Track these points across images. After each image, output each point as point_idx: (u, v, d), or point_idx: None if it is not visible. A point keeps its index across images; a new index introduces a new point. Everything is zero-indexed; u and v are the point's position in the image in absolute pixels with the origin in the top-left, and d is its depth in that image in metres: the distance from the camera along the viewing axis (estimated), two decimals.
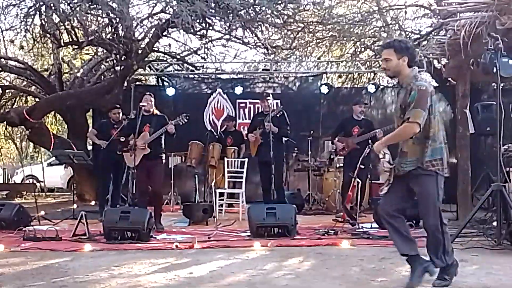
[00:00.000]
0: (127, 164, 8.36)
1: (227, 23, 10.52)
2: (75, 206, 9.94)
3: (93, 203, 12.41)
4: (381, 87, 13.83)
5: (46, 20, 10.37)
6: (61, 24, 10.63)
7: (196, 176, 10.63)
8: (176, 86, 13.46)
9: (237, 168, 9.92)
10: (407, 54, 4.48)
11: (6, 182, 22.68)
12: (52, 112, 15.25)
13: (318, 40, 13.77)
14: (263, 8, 10.26)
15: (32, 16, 10.10)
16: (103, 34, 10.91)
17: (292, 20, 11.55)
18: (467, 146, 9.05)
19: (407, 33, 13.65)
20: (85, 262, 5.87)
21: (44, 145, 13.77)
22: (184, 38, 11.57)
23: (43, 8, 9.88)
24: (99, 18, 10.69)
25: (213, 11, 9.97)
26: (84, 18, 10.39)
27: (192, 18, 9.43)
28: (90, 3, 9.60)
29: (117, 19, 10.06)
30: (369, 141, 8.74)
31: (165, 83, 13.89)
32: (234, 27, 10.83)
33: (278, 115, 9.45)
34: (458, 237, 6.41)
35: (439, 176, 4.40)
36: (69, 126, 14.78)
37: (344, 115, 10.84)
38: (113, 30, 10.61)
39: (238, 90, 13.08)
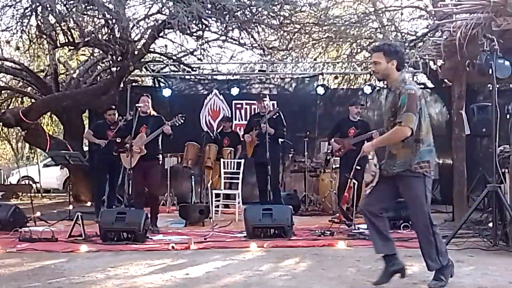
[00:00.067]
0: (125, 165, 8.35)
1: (223, 24, 10.50)
2: (71, 207, 9.93)
3: (89, 204, 12.38)
4: (377, 88, 13.83)
5: (42, 21, 10.36)
6: (57, 25, 10.61)
7: (193, 177, 10.62)
8: (172, 87, 13.45)
9: (234, 169, 9.92)
10: (396, 58, 4.54)
11: (2, 183, 22.62)
12: (48, 113, 15.24)
13: (314, 41, 13.77)
14: (260, 9, 10.25)
15: (28, 17, 10.07)
16: (99, 35, 10.90)
17: (288, 21, 11.54)
18: (463, 147, 9.06)
19: (403, 34, 13.67)
20: (81, 263, 5.87)
21: (40, 146, 13.75)
22: (180, 39, 11.59)
23: (39, 9, 9.86)
24: (95, 19, 10.68)
25: (210, 12, 9.96)
26: (80, 19, 10.36)
27: (189, 19, 9.42)
28: (86, 4, 9.57)
29: (114, 20, 10.05)
30: (365, 142, 8.75)
31: (161, 84, 13.88)
32: (230, 28, 10.82)
33: (274, 117, 9.47)
34: (454, 238, 6.42)
35: (427, 178, 4.45)
36: (65, 127, 14.76)
37: (340, 116, 10.84)
38: (109, 31, 10.61)
39: (234, 91, 13.08)
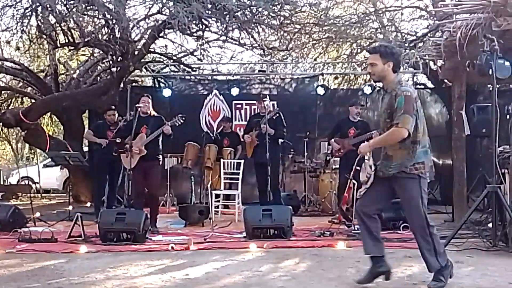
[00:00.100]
0: (125, 165, 8.35)
1: (223, 24, 10.50)
2: (70, 207, 9.92)
3: (88, 204, 12.38)
4: (377, 88, 13.80)
5: (42, 21, 10.36)
6: (58, 25, 10.61)
7: (192, 177, 10.61)
8: (172, 87, 13.44)
9: (233, 169, 9.92)
10: (392, 60, 4.57)
11: (2, 183, 22.61)
12: (48, 113, 15.24)
13: (314, 42, 13.77)
14: (260, 9, 10.25)
15: (28, 17, 10.07)
16: (100, 35, 10.90)
17: (288, 22, 11.55)
18: (462, 148, 9.06)
19: (403, 34, 13.67)
20: (80, 263, 5.86)
21: (40, 146, 13.76)
22: (180, 39, 11.59)
23: (40, 9, 9.86)
24: (95, 19, 10.69)
25: (210, 12, 9.96)
26: (81, 19, 10.36)
27: (189, 19, 9.42)
28: (86, 4, 9.57)
29: (114, 20, 10.05)
30: (365, 142, 8.74)
31: (162, 84, 13.86)
32: (230, 28, 10.82)
33: (274, 117, 9.47)
34: (454, 239, 6.41)
35: (422, 179, 4.47)
36: (65, 127, 14.76)
37: (340, 117, 10.84)
38: (109, 31, 10.61)
39: (235, 91, 13.07)
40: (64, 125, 14.93)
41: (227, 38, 11.90)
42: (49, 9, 9.52)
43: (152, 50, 12.37)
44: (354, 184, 8.49)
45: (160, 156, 8.45)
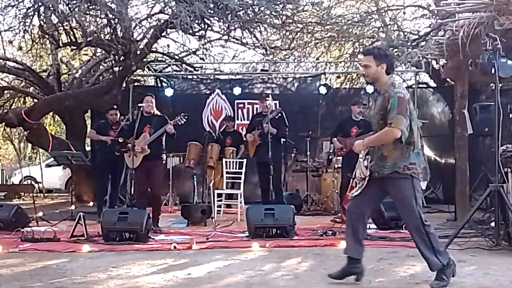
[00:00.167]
0: (129, 165, 8.35)
1: (225, 24, 10.51)
2: (73, 207, 9.94)
3: (91, 204, 12.41)
4: None
5: (44, 20, 10.36)
6: (60, 24, 10.62)
7: (195, 177, 10.62)
8: (174, 87, 13.44)
9: (236, 168, 9.91)
10: (385, 62, 4.63)
11: (4, 183, 22.67)
12: (51, 113, 15.25)
13: (316, 41, 13.76)
14: (262, 8, 10.26)
15: (31, 17, 10.09)
16: (102, 35, 10.90)
17: (290, 21, 11.55)
18: (465, 147, 9.05)
19: (405, 33, 13.65)
20: (83, 263, 5.87)
21: (42, 146, 13.76)
22: (182, 38, 11.63)
23: (42, 8, 9.87)
24: (97, 18, 10.69)
25: (212, 11, 9.97)
26: (83, 18, 10.37)
27: (191, 18, 9.42)
28: (88, 4, 9.59)
29: (116, 20, 10.06)
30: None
31: (164, 84, 13.85)
32: (232, 28, 10.83)
33: (276, 117, 9.45)
34: (456, 238, 6.40)
35: (415, 179, 4.53)
36: (68, 127, 14.78)
37: (343, 116, 10.82)
38: (111, 30, 10.61)
39: (237, 90, 13.05)
40: (66, 124, 14.94)
41: (229, 38, 11.91)
42: (52, 8, 9.52)
43: (154, 49, 12.37)
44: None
45: (164, 156, 8.46)
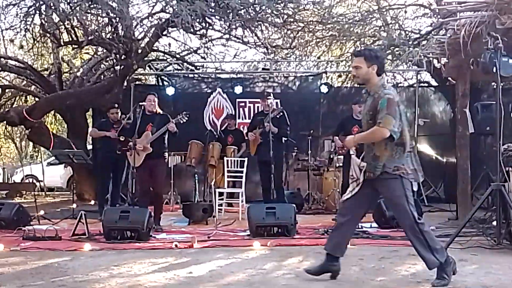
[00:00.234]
0: (131, 163, 8.36)
1: (227, 23, 10.51)
2: (74, 205, 9.94)
3: (92, 202, 12.42)
4: None
5: (46, 19, 10.38)
6: (61, 23, 10.63)
7: (196, 175, 10.63)
8: (176, 86, 13.45)
9: (237, 167, 9.91)
10: (376, 63, 4.67)
11: (6, 181, 22.69)
12: (52, 112, 15.25)
13: (318, 40, 13.75)
14: (263, 7, 10.26)
15: (32, 16, 10.11)
16: (103, 34, 10.90)
17: (292, 20, 11.54)
18: (466, 146, 9.05)
19: (407, 32, 13.65)
20: (84, 261, 5.87)
21: (43, 144, 13.77)
22: (184, 37, 11.61)
23: (43, 7, 9.88)
24: (99, 17, 10.70)
25: (213, 10, 9.97)
26: (84, 17, 10.39)
27: (192, 17, 9.43)
28: (90, 3, 9.60)
29: (117, 19, 10.06)
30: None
31: (165, 83, 13.87)
32: (234, 27, 10.83)
33: (278, 116, 9.45)
34: (458, 237, 6.38)
35: (404, 179, 4.55)
36: (69, 126, 14.79)
37: (344, 115, 10.81)
38: (113, 29, 10.62)
39: (238, 89, 13.05)
40: (68, 123, 14.96)
41: (231, 36, 11.91)
42: (53, 7, 9.54)
43: (156, 48, 12.38)
44: None
45: (166, 154, 8.47)
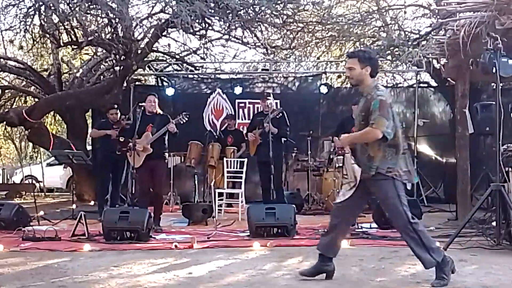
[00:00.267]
0: (132, 164, 8.36)
1: (226, 23, 10.50)
2: (74, 206, 9.92)
3: (92, 203, 12.41)
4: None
5: (45, 20, 10.37)
6: (61, 24, 10.62)
7: (196, 176, 10.62)
8: (175, 86, 13.45)
9: (237, 168, 9.91)
10: (370, 64, 4.73)
11: (6, 182, 22.68)
12: (52, 112, 15.25)
13: (317, 40, 13.75)
14: (263, 8, 10.26)
15: (32, 16, 10.10)
16: (103, 34, 10.90)
17: (291, 20, 11.54)
18: (466, 146, 9.05)
19: (406, 33, 13.65)
20: (84, 262, 5.87)
21: (43, 145, 13.77)
22: (183, 38, 11.57)
23: (43, 8, 9.88)
24: (98, 18, 10.69)
25: (213, 11, 9.97)
26: (84, 18, 10.38)
27: (192, 18, 9.42)
28: (89, 3, 9.60)
29: (117, 19, 10.06)
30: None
31: (165, 83, 13.87)
32: (233, 27, 10.82)
33: (277, 116, 9.45)
34: (458, 237, 6.40)
35: (396, 181, 4.57)
36: (69, 126, 14.78)
37: (344, 115, 10.81)
38: (112, 30, 10.61)
39: (238, 90, 13.05)
40: (67, 124, 14.95)
41: (230, 37, 11.90)
42: (52, 8, 9.53)
43: (155, 49, 12.37)
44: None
45: (166, 155, 8.47)
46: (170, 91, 12.97)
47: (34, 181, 19.13)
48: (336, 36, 13.18)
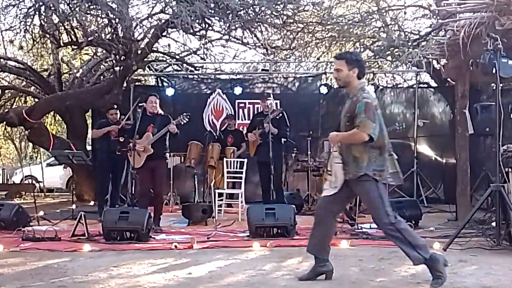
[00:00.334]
0: (132, 164, 8.36)
1: (226, 24, 10.50)
2: (74, 206, 9.92)
3: (92, 203, 12.41)
4: (380, 87, 13.84)
5: (45, 20, 10.37)
6: (61, 24, 10.62)
7: (195, 176, 10.63)
8: (175, 87, 13.44)
9: (237, 168, 9.91)
10: (357, 66, 4.78)
11: (5, 182, 22.67)
12: (52, 112, 15.25)
13: (317, 41, 13.74)
14: (263, 8, 10.26)
15: (32, 16, 10.10)
16: (103, 35, 10.90)
17: (291, 21, 11.54)
18: (466, 147, 9.05)
19: (406, 33, 13.63)
20: (84, 262, 5.87)
21: (43, 145, 13.76)
22: (183, 38, 11.57)
23: (43, 8, 9.88)
24: (98, 18, 10.68)
25: (213, 11, 9.96)
26: (84, 18, 10.37)
27: (192, 18, 9.42)
28: (89, 4, 9.59)
29: (117, 20, 10.05)
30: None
31: (165, 84, 13.87)
32: (233, 28, 10.82)
33: (277, 117, 9.45)
34: (457, 238, 6.40)
35: (379, 183, 4.62)
36: (69, 127, 14.77)
37: None
38: (112, 30, 10.61)
39: (238, 90, 13.05)
40: (67, 124, 14.94)
41: (230, 37, 11.89)
42: (52, 8, 9.52)
43: (155, 49, 12.36)
44: None
45: (167, 155, 8.47)
46: (170, 92, 12.96)
47: (34, 181, 19.13)
48: (336, 37, 13.17)
